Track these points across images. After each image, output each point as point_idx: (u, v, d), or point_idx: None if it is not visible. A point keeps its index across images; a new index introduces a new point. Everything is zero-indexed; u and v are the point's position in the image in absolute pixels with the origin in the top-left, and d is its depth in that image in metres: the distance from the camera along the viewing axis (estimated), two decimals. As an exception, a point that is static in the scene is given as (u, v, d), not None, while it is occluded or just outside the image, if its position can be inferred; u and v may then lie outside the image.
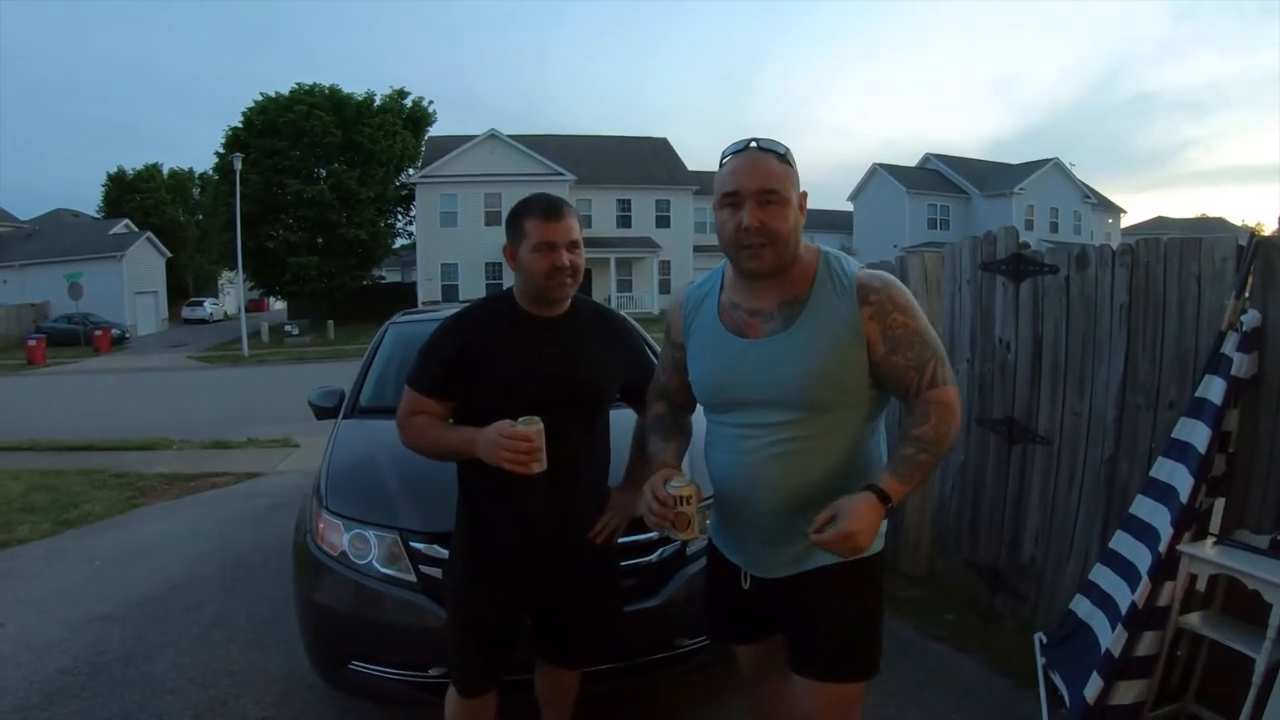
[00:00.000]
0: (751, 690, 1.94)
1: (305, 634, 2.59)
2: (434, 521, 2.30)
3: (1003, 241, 3.30)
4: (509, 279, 1.90)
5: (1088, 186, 40.99)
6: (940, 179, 40.63)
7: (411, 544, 2.35)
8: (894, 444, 1.55)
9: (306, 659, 2.65)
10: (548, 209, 1.79)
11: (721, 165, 1.56)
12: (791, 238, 1.52)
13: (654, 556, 2.41)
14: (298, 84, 32.37)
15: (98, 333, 27.89)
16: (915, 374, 1.51)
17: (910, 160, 43.49)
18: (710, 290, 1.69)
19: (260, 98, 31.98)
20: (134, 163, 55.68)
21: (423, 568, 2.32)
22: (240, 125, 31.62)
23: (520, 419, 1.65)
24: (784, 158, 1.52)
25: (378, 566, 2.37)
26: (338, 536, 2.45)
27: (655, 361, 1.99)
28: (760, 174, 1.49)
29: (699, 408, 1.79)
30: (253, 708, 2.86)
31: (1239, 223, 49.06)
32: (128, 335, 30.78)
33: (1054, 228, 38.48)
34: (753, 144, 1.52)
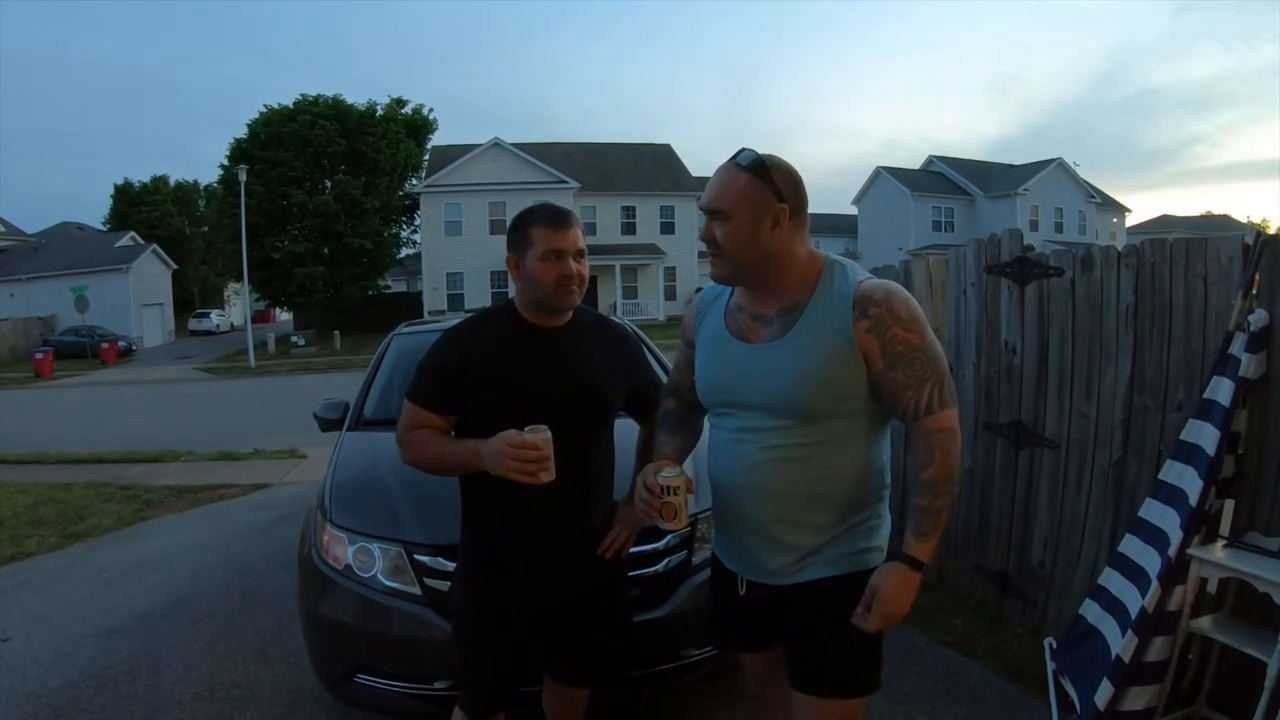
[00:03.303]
0: (756, 701, 1.93)
1: (310, 647, 2.59)
2: (438, 534, 2.30)
3: (1007, 244, 3.29)
4: (515, 288, 1.88)
5: (1092, 186, 40.87)
6: (944, 181, 40.56)
7: (416, 557, 2.34)
8: (908, 493, 1.54)
9: (312, 672, 2.65)
10: (554, 217, 1.77)
11: None
12: (743, 251, 1.51)
13: (660, 567, 2.40)
14: (301, 95, 32.67)
15: (104, 345, 28.07)
16: (913, 394, 1.47)
17: (914, 162, 43.53)
18: (723, 293, 1.70)
19: (265, 109, 32.29)
20: (140, 175, 56.17)
21: (427, 581, 2.31)
22: (245, 137, 31.84)
23: (527, 428, 1.61)
24: (755, 171, 1.49)
25: (382, 579, 2.36)
26: (342, 550, 2.45)
27: (657, 369, 1.98)
28: (713, 192, 1.53)
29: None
30: (259, 721, 2.85)
31: (1244, 219, 48.92)
32: (134, 347, 30.95)
33: (1059, 228, 38.38)
34: (735, 157, 1.53)
